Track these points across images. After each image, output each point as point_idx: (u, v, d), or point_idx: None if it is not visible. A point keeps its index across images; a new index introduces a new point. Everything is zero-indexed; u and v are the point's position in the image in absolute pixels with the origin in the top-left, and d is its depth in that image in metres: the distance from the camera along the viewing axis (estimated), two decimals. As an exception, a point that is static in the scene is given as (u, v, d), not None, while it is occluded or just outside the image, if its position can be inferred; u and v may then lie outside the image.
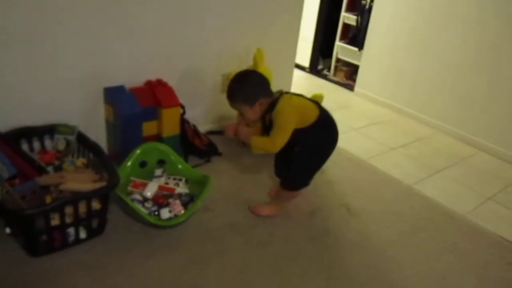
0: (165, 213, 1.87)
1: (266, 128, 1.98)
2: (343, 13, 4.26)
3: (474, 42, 3.21)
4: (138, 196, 1.95)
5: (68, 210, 1.66)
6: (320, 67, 4.65)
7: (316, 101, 2.00)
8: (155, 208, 1.91)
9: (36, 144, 2.10)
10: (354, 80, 4.30)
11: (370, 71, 3.97)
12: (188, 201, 1.97)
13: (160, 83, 2.41)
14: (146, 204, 1.93)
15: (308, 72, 4.62)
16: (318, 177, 2.47)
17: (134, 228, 1.91)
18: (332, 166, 2.67)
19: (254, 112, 1.90)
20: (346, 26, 4.35)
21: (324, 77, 4.53)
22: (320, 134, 1.97)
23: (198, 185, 2.08)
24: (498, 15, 3.06)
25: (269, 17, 2.84)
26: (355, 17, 4.14)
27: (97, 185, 1.77)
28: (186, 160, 2.47)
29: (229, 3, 2.59)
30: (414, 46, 3.58)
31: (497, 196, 2.67)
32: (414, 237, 2.15)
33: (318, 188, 2.44)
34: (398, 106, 3.78)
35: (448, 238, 2.18)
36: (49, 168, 1.95)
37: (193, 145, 2.49)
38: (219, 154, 2.61)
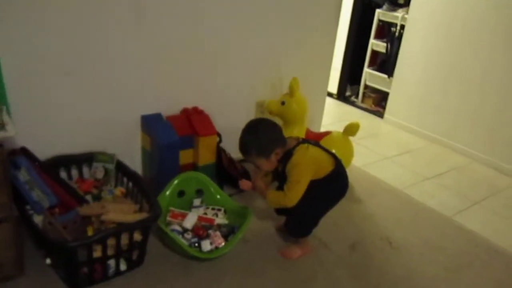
0: (206, 245, 1.82)
1: (278, 175, 1.93)
2: (372, 40, 4.24)
3: (502, 69, 3.16)
4: (177, 227, 1.92)
5: (110, 242, 1.63)
6: (348, 93, 4.62)
7: (331, 153, 1.96)
8: (195, 239, 1.87)
9: (74, 173, 2.09)
10: (383, 107, 4.26)
11: (401, 98, 3.92)
12: (228, 232, 1.93)
13: (196, 111, 2.40)
14: (185, 235, 1.89)
15: (335, 98, 4.59)
16: (356, 209, 2.44)
17: (173, 260, 1.86)
18: (369, 197, 2.61)
19: (270, 164, 1.86)
20: (374, 53, 4.32)
21: (352, 103, 4.49)
22: (331, 186, 1.93)
23: (237, 216, 2.04)
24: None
25: (303, 45, 2.83)
26: (383, 44, 4.12)
27: (138, 216, 1.74)
28: (221, 189, 2.43)
29: (264, 34, 2.59)
30: (445, 73, 3.53)
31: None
32: (460, 273, 2.06)
33: (356, 220, 2.37)
34: (430, 134, 3.70)
35: (495, 275, 2.08)
36: (88, 197, 1.94)
37: (228, 174, 2.46)
38: (247, 177, 2.56)
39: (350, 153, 2.66)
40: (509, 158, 3.23)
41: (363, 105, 4.45)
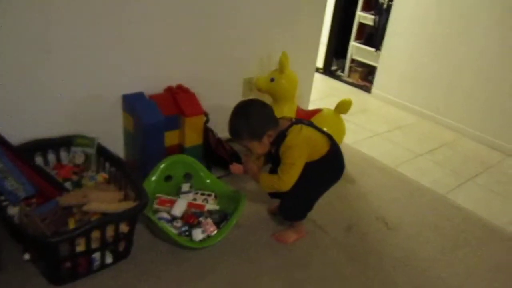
0: (197, 234, 1.72)
1: (272, 158, 1.84)
2: (359, 12, 4.11)
3: (497, 43, 3.08)
4: (165, 215, 1.80)
5: (95, 234, 1.50)
6: (333, 68, 4.50)
7: (327, 133, 1.86)
8: (185, 228, 1.76)
9: (51, 158, 1.94)
10: (370, 81, 4.17)
11: (389, 72, 3.83)
12: (220, 219, 1.82)
13: (181, 89, 2.25)
14: (175, 223, 1.78)
15: (321, 73, 4.47)
16: (349, 189, 2.36)
17: (162, 249, 1.75)
18: (362, 176, 2.54)
19: (263, 146, 1.75)
20: (361, 25, 4.19)
21: (338, 78, 4.39)
22: (327, 168, 1.84)
23: (228, 200, 1.94)
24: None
25: (291, 19, 2.68)
26: (371, 16, 4.00)
27: (124, 205, 1.62)
28: (209, 171, 2.32)
29: (251, 7, 2.43)
30: (435, 47, 3.44)
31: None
32: (457, 253, 2.01)
33: (351, 200, 2.30)
34: (419, 109, 3.64)
35: (492, 254, 2.05)
36: (67, 184, 1.80)
37: (216, 155, 2.34)
38: (238, 160, 2.45)
39: (342, 132, 2.56)
40: (500, 133, 3.19)
41: (350, 80, 4.35)
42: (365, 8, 4.09)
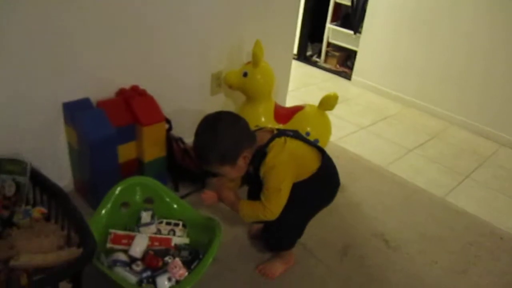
0: (163, 283, 1.35)
1: (250, 178, 1.50)
2: (335, -9, 3.76)
3: (487, 25, 2.81)
4: (122, 256, 1.43)
5: (24, 301, 1.13)
6: (308, 53, 4.15)
7: (316, 145, 1.52)
8: (147, 274, 1.39)
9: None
10: (349, 67, 3.85)
11: (370, 57, 3.51)
12: (190, 257, 1.47)
13: (136, 92, 1.87)
14: (134, 266, 1.41)
15: (295, 59, 4.11)
16: (340, 198, 2.03)
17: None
18: (352, 181, 2.24)
19: (238, 170, 1.41)
20: (337, 6, 3.84)
21: (314, 64, 4.05)
22: (319, 188, 1.51)
23: (200, 229, 1.59)
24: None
25: (263, 3, 2.31)
26: (349, -5, 3.66)
27: (64, 255, 1.24)
28: (176, 188, 1.96)
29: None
30: (419, 29, 3.14)
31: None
32: (469, 272, 1.75)
33: (343, 213, 1.99)
34: (403, 96, 3.35)
35: (508, 268, 1.80)
36: (-6, 223, 1.41)
37: (183, 168, 1.97)
38: (214, 175, 2.08)
39: (327, 132, 2.23)
40: (492, 122, 2.95)
41: (327, 66, 4.01)
42: (341, -13, 3.74)
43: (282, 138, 1.42)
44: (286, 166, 1.39)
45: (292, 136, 1.47)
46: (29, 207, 1.51)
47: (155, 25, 1.88)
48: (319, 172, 1.47)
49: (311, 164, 1.47)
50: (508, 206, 2.26)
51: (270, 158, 1.37)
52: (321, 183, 1.51)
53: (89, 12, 1.63)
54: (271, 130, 1.48)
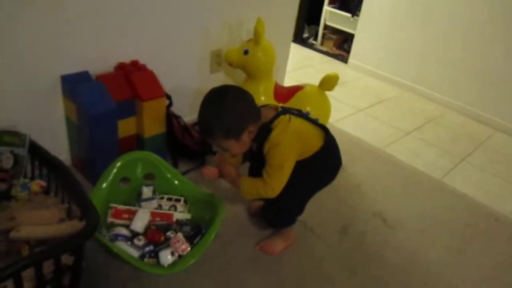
0: (166, 257, 1.35)
1: (253, 155, 1.50)
2: (333, -27, 3.72)
3: (485, 11, 2.81)
4: (123, 231, 1.42)
5: (27, 273, 1.11)
6: (305, 35, 4.12)
7: (319, 124, 1.51)
8: (149, 248, 1.39)
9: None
10: (345, 50, 3.84)
11: (368, 40, 3.49)
12: (193, 232, 1.46)
13: (136, 67, 1.83)
14: (136, 241, 1.40)
15: (292, 41, 4.07)
16: (340, 179, 2.02)
17: (120, 274, 1.38)
18: (352, 162, 2.24)
19: (242, 145, 1.39)
20: (335, -13, 3.82)
21: (311, 46, 4.02)
22: (321, 166, 1.50)
23: (202, 206, 1.58)
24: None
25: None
26: (347, -23, 3.62)
27: (67, 228, 1.22)
28: (176, 165, 1.94)
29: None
30: (417, 13, 3.13)
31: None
32: (466, 251, 1.77)
33: (343, 193, 1.99)
34: (400, 80, 3.35)
35: (502, 248, 1.82)
36: (-8, 196, 1.38)
37: (183, 145, 1.95)
38: (214, 153, 2.08)
39: (327, 112, 2.22)
40: (488, 106, 2.97)
41: (323, 48, 3.99)
42: (340, -32, 3.70)
43: (287, 116, 1.41)
44: (290, 144, 1.38)
45: (296, 114, 1.45)
46: (27, 180, 1.49)
47: (154, 1, 1.84)
48: (322, 151, 1.46)
49: (315, 142, 1.46)
50: (503, 189, 2.29)
51: (275, 135, 1.36)
52: (324, 162, 1.50)
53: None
54: (276, 107, 1.46)
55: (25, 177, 1.50)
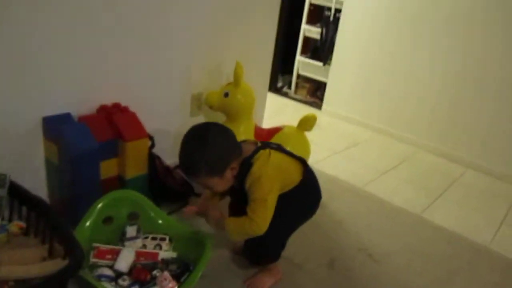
0: (153, 296, 1.30)
1: (234, 192, 1.50)
2: (304, 26, 3.91)
3: (445, 50, 3.01)
4: (107, 271, 1.37)
5: (6, 314, 1.05)
6: (279, 84, 4.25)
7: (299, 157, 1.55)
8: (135, 287, 1.33)
9: None
10: (318, 97, 3.97)
11: (339, 87, 3.64)
12: (179, 270, 1.42)
13: (118, 109, 1.84)
14: (120, 281, 1.35)
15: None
16: (322, 216, 2.05)
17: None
18: (332, 200, 2.26)
19: (225, 182, 1.39)
20: (306, 39, 4.00)
21: (285, 95, 4.14)
22: (301, 200, 1.52)
23: (187, 244, 1.54)
24: (468, 22, 2.88)
25: (242, 25, 2.38)
26: (317, 29, 3.81)
27: (50, 266, 1.17)
28: (158, 206, 1.90)
29: (198, 12, 2.09)
30: (386, 59, 3.31)
31: (509, 219, 2.41)
32: (453, 282, 1.78)
33: (326, 229, 2.00)
34: (373, 124, 3.47)
35: (487, 278, 1.84)
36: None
37: (165, 186, 1.94)
38: (197, 194, 2.06)
39: (307, 152, 2.26)
40: (458, 145, 3.09)
41: (297, 96, 4.12)
42: (310, 21, 3.90)
43: (267, 150, 1.43)
44: (272, 177, 1.38)
45: (275, 149, 1.48)
46: (5, 222, 1.43)
47: (136, 45, 1.89)
48: (302, 184, 1.48)
49: (295, 176, 1.48)
50: (481, 221, 2.34)
51: (256, 169, 1.37)
52: (304, 195, 1.52)
53: (78, 28, 1.63)
54: (255, 142, 1.49)
55: (2, 219, 1.45)
